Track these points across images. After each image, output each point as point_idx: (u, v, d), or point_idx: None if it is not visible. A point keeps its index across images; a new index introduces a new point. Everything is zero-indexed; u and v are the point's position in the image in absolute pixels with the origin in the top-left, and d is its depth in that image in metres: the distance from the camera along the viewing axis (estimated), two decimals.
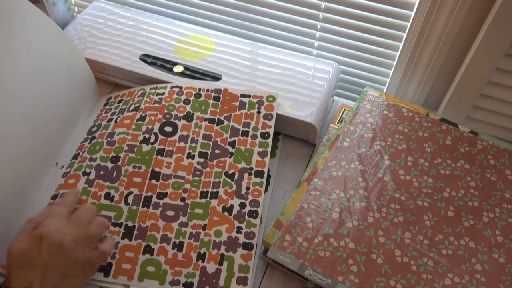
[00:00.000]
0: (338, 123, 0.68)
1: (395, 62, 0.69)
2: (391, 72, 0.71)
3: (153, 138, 0.61)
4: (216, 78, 0.68)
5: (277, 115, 0.64)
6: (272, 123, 0.63)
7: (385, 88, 0.74)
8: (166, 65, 0.69)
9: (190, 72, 0.69)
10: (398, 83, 0.70)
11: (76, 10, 0.88)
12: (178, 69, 0.69)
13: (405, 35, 0.65)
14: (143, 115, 0.63)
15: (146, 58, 0.70)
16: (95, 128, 0.66)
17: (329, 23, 0.70)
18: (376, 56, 0.71)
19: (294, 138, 0.68)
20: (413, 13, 0.62)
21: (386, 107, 0.66)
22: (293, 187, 0.63)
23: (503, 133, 0.67)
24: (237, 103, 0.64)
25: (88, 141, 0.64)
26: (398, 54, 0.68)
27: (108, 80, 0.74)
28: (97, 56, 0.71)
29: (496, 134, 0.67)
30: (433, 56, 0.63)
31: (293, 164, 0.66)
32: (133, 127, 0.62)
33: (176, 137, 0.62)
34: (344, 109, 0.70)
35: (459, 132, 0.64)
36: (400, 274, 0.51)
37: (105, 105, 0.70)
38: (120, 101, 0.68)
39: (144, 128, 0.62)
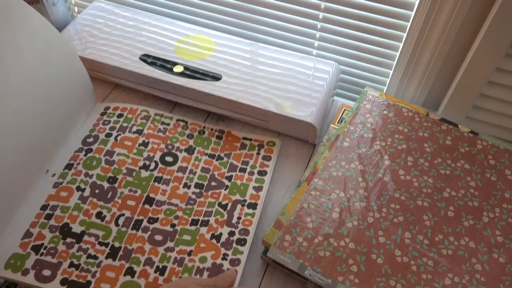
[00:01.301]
0: (338, 123, 0.68)
1: (395, 62, 0.69)
2: (391, 72, 0.71)
3: (153, 165, 0.63)
4: (216, 78, 0.68)
5: (277, 115, 0.64)
6: (270, 163, 0.64)
7: (385, 88, 0.74)
8: (166, 65, 0.69)
9: (190, 72, 0.69)
10: (398, 83, 0.70)
11: (76, 10, 0.88)
12: (178, 69, 0.69)
13: (405, 35, 0.65)
14: (146, 141, 0.65)
15: (146, 58, 0.70)
16: (91, 139, 0.65)
17: (329, 23, 0.70)
18: (376, 56, 0.71)
19: (294, 138, 0.68)
20: (413, 13, 0.62)
21: (386, 107, 0.66)
22: (293, 187, 0.63)
23: (503, 133, 0.67)
24: (238, 144, 0.66)
25: (84, 152, 0.63)
26: (398, 54, 0.68)
27: (108, 80, 0.74)
28: (97, 56, 0.71)
29: (496, 134, 0.67)
30: (433, 56, 0.63)
31: (293, 164, 0.66)
32: (135, 151, 0.64)
33: (175, 167, 0.63)
34: (344, 109, 0.70)
35: (459, 132, 0.64)
36: (400, 274, 0.51)
37: (102, 114, 0.69)
38: (120, 116, 0.68)
39: (145, 154, 0.64)
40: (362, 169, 0.60)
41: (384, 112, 0.66)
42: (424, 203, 0.57)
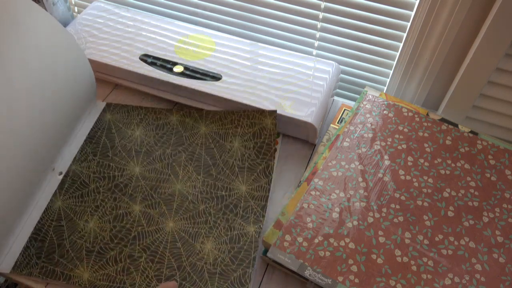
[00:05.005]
0: (338, 123, 0.68)
1: (395, 62, 0.69)
2: (391, 72, 0.71)
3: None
4: (216, 78, 0.68)
5: (277, 115, 0.64)
6: (276, 155, 0.65)
7: (385, 88, 0.74)
8: (166, 65, 0.69)
9: (190, 72, 0.69)
10: (398, 83, 0.70)
11: (76, 10, 0.88)
12: (178, 69, 0.69)
13: (405, 35, 0.65)
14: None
15: (146, 58, 0.70)
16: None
17: (329, 23, 0.70)
18: (376, 56, 0.71)
19: (294, 138, 0.68)
20: (413, 13, 0.62)
21: (386, 107, 0.66)
22: (293, 187, 0.63)
23: (503, 133, 0.67)
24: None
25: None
26: (398, 54, 0.68)
27: (108, 80, 0.74)
28: (97, 56, 0.71)
29: (496, 134, 0.67)
30: (433, 56, 0.63)
31: (293, 164, 0.66)
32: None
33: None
34: (344, 109, 0.70)
35: (459, 132, 0.64)
36: (400, 274, 0.51)
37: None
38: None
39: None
40: (362, 169, 0.60)
41: (384, 112, 0.66)
42: (424, 203, 0.57)
